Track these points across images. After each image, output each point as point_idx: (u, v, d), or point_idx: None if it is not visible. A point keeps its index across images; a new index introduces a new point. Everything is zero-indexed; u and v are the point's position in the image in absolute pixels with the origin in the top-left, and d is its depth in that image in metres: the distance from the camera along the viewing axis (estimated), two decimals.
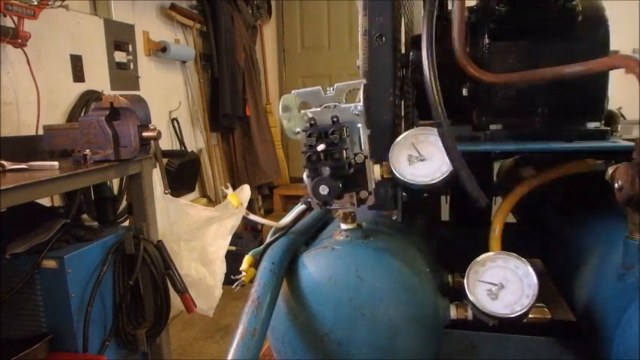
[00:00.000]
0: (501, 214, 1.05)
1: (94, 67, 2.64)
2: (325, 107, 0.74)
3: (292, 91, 0.76)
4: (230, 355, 0.66)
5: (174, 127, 3.43)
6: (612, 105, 1.15)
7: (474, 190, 0.73)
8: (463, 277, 0.74)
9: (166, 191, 1.89)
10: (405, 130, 0.85)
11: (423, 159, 0.74)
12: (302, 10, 4.67)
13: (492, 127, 1.03)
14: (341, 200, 0.77)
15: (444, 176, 0.71)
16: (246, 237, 3.75)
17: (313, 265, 0.79)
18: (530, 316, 0.74)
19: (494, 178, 1.51)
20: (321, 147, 0.71)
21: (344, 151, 0.71)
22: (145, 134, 1.67)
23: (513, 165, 1.66)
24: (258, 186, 4.21)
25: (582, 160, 1.00)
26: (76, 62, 2.50)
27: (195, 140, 3.79)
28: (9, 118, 2.11)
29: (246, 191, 2.36)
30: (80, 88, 2.52)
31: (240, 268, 0.85)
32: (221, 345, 2.69)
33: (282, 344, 0.82)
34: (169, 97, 3.42)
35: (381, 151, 0.83)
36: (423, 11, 0.78)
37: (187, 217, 2.40)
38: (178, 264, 1.93)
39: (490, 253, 0.75)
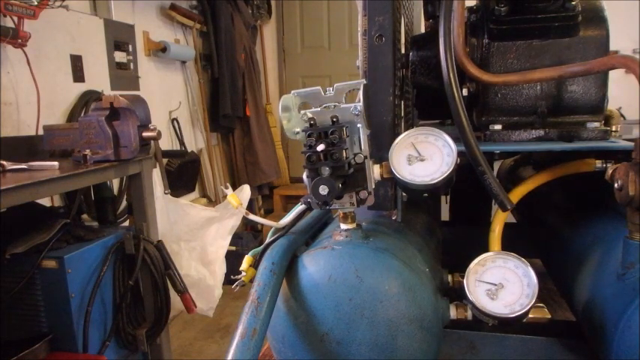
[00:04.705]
0: (501, 214, 1.05)
1: (94, 67, 2.64)
2: (325, 107, 0.74)
3: (292, 91, 0.76)
4: (230, 355, 0.66)
5: (174, 127, 3.43)
6: (612, 105, 1.15)
7: (499, 193, 0.74)
8: (463, 277, 0.74)
9: (166, 191, 1.89)
10: (405, 130, 0.85)
11: (422, 159, 0.74)
12: (302, 10, 4.67)
13: (492, 127, 1.04)
14: (341, 200, 0.77)
15: (443, 176, 0.71)
16: (246, 237, 3.75)
17: (313, 265, 0.79)
18: (530, 316, 0.74)
19: None
20: (321, 147, 0.70)
21: (344, 151, 0.71)
22: (145, 134, 1.67)
23: (513, 165, 1.66)
24: (258, 186, 4.21)
25: (582, 160, 0.99)
26: (76, 62, 2.50)
27: (195, 140, 3.79)
28: (9, 118, 2.11)
29: (246, 191, 2.36)
30: (80, 88, 2.52)
31: (240, 268, 0.85)
32: (221, 345, 2.70)
33: (282, 344, 0.82)
34: (169, 97, 3.42)
35: (380, 151, 0.83)
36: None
37: (187, 217, 2.40)
38: (178, 264, 1.93)
39: (490, 253, 0.75)
